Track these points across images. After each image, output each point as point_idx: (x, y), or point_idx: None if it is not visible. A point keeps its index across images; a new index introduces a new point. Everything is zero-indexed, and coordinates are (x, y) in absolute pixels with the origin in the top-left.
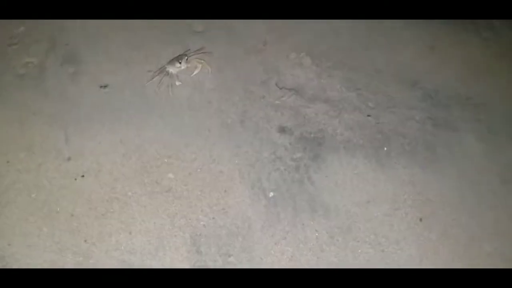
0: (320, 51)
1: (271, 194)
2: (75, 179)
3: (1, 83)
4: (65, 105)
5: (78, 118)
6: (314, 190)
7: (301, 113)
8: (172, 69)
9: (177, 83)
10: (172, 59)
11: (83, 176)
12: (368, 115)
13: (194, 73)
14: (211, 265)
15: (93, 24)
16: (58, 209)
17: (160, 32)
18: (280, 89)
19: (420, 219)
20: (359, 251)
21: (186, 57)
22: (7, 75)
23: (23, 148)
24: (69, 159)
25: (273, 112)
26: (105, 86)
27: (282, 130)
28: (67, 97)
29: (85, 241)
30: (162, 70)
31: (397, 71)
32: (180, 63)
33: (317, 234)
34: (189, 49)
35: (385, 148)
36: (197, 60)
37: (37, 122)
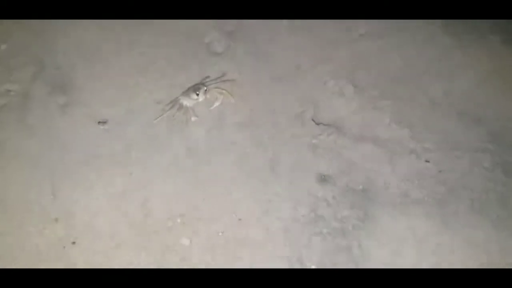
0: (364, 78)
1: (313, 267)
2: (64, 247)
3: None
4: (52, 146)
5: (69, 164)
6: (365, 262)
7: (344, 157)
8: (187, 102)
9: (193, 118)
10: (188, 89)
11: (74, 242)
12: (427, 161)
13: (214, 105)
14: None
15: (90, 43)
16: None
17: (172, 52)
18: (317, 125)
19: None
20: None
21: (204, 88)
22: None
23: None
24: (56, 220)
25: (309, 154)
26: (104, 122)
27: (323, 179)
28: (55, 136)
29: None
30: (174, 103)
31: (457, 103)
32: (197, 94)
33: None
34: (208, 76)
35: (451, 205)
36: (217, 90)
37: (15, 169)
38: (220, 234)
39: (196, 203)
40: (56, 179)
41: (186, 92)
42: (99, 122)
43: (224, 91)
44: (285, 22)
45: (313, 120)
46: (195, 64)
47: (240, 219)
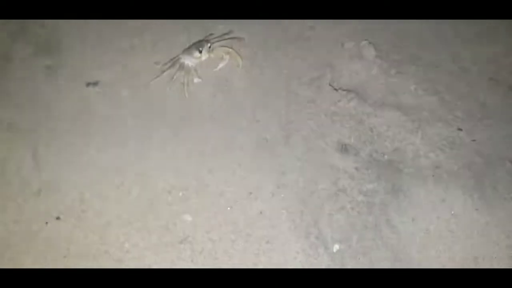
0: (386, 40)
1: (336, 247)
2: (47, 222)
3: None
4: (36, 112)
5: (55, 131)
6: (397, 241)
7: (366, 125)
8: (188, 61)
9: (196, 80)
10: (189, 47)
11: (58, 218)
12: (459, 129)
13: (220, 66)
14: None
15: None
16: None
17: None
18: (336, 90)
19: None
20: None
21: (208, 44)
22: None
23: None
24: (39, 192)
25: (328, 122)
26: (95, 84)
27: (344, 149)
28: (40, 101)
29: None
30: (175, 62)
31: (489, 70)
32: (200, 52)
33: None
34: (212, 34)
35: (489, 178)
36: (223, 48)
37: None
38: (229, 209)
39: (201, 176)
40: (39, 148)
41: (188, 50)
42: (88, 84)
43: (231, 50)
44: None
45: (330, 85)
46: (198, 23)
47: (251, 193)
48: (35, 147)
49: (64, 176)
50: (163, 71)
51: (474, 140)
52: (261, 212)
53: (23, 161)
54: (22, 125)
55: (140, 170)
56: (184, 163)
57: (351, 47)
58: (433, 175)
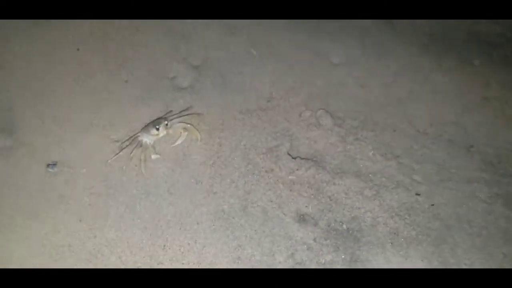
0: (342, 108)
1: None
2: None
3: None
4: None
5: (9, 210)
6: None
7: (325, 193)
8: (146, 138)
9: (153, 156)
10: (147, 125)
11: None
12: (417, 194)
13: (178, 142)
14: None
15: (37, 79)
16: None
17: (131, 88)
18: (294, 159)
19: None
20: None
21: (165, 122)
22: None
23: None
24: None
25: (287, 192)
26: (54, 165)
27: (302, 219)
28: None
29: None
30: (133, 140)
31: (445, 131)
32: (157, 129)
33: None
34: (171, 111)
35: (448, 243)
36: (181, 124)
37: None
38: None
39: (155, 253)
40: None
41: (146, 128)
42: (48, 165)
43: (189, 126)
44: (254, 52)
45: (289, 154)
46: (158, 99)
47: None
48: None
49: (11, 258)
50: (122, 149)
51: (432, 205)
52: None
53: None
54: None
55: (93, 248)
56: (138, 240)
57: (308, 116)
58: (391, 243)
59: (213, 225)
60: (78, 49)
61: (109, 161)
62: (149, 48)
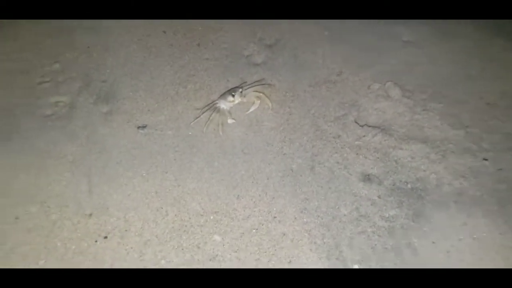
0: (412, 81)
1: (355, 267)
2: (96, 241)
3: (21, 126)
4: (93, 149)
5: (106, 164)
6: (417, 263)
7: (391, 157)
8: (223, 105)
9: (230, 121)
10: (224, 93)
11: (106, 237)
12: (485, 159)
13: (251, 109)
14: None
15: (135, 59)
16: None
17: (212, 64)
18: (361, 126)
19: None
20: None
21: (240, 90)
22: (30, 116)
23: (36, 201)
24: (90, 215)
25: (353, 155)
26: (144, 127)
27: (367, 178)
28: (96, 140)
29: None
30: (211, 106)
31: None
32: (233, 96)
33: None
34: (245, 82)
35: None
36: (254, 93)
37: (57, 169)
38: (254, 231)
39: (230, 201)
40: (93, 178)
41: (223, 95)
42: (138, 127)
43: (261, 95)
44: (326, 32)
45: (356, 122)
46: (234, 74)
47: (275, 217)
48: (90, 176)
49: (111, 201)
50: (202, 113)
51: (500, 169)
52: (284, 234)
53: (79, 187)
54: (81, 160)
55: (177, 195)
56: (216, 190)
57: (377, 88)
58: (455, 202)
59: (282, 180)
60: (164, 32)
61: (191, 124)
62: (229, 32)
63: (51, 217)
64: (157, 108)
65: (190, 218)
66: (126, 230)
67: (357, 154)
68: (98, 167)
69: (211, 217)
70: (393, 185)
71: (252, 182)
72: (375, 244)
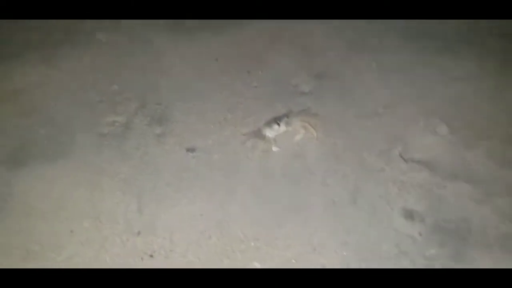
0: (459, 117)
1: None
2: (142, 258)
3: (79, 142)
4: (144, 169)
5: (156, 184)
6: None
7: (435, 194)
8: (269, 132)
9: (274, 148)
10: (270, 120)
11: (151, 256)
12: None
13: (296, 138)
14: None
15: (188, 83)
16: None
17: (260, 92)
18: (406, 161)
19: None
20: None
21: (286, 118)
22: (87, 134)
23: (89, 216)
24: (138, 233)
25: (396, 190)
26: (193, 150)
27: (409, 215)
28: (148, 161)
29: None
30: (257, 133)
31: None
32: (279, 124)
33: None
34: (291, 111)
35: None
36: (300, 122)
37: (110, 186)
38: (293, 261)
39: (271, 229)
40: (143, 197)
41: (269, 123)
42: (188, 150)
43: (307, 124)
44: (374, 64)
45: (401, 156)
46: (281, 102)
47: (315, 249)
48: (140, 196)
49: (159, 221)
50: (248, 139)
51: None
52: (324, 266)
53: (130, 206)
54: (132, 179)
55: (221, 219)
56: (258, 217)
57: (424, 123)
58: (501, 246)
59: (324, 211)
60: (216, 59)
61: (237, 149)
62: (278, 61)
63: (102, 232)
64: (206, 132)
65: (231, 243)
66: (171, 250)
67: (400, 189)
68: (149, 187)
69: (252, 244)
70: (436, 223)
71: (294, 211)
72: None
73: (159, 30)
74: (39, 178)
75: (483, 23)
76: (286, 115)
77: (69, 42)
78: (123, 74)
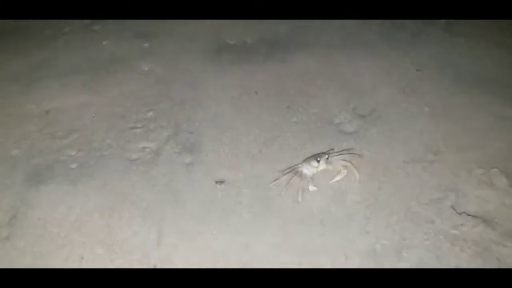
0: None
1: None
2: None
3: (106, 167)
4: (169, 198)
5: (179, 215)
6: None
7: (492, 253)
8: (306, 170)
9: (311, 188)
10: (309, 157)
11: None
12: None
13: (336, 178)
14: None
15: (224, 115)
16: None
17: (299, 128)
18: (459, 214)
19: None
20: None
21: (326, 156)
22: (116, 158)
23: (103, 243)
24: (154, 267)
25: (447, 245)
26: (222, 182)
27: None
28: (174, 190)
29: None
30: (293, 169)
31: None
32: (318, 161)
33: None
34: (333, 149)
35: None
36: (342, 162)
37: (130, 213)
38: None
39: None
40: (163, 227)
41: (307, 160)
42: (216, 182)
43: (349, 164)
44: (426, 108)
45: (453, 208)
46: (322, 140)
47: None
48: (161, 225)
49: (177, 254)
50: (283, 176)
51: None
52: None
53: (149, 235)
54: (156, 206)
55: (245, 260)
56: (287, 261)
57: (480, 173)
58: None
59: (363, 262)
60: (256, 93)
61: (270, 185)
62: (321, 98)
63: (115, 262)
64: (238, 164)
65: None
66: None
67: (452, 244)
68: (171, 217)
69: None
70: None
71: (328, 258)
72: None
73: (200, 60)
74: (59, 200)
75: None
76: (327, 153)
77: (112, 69)
78: (161, 103)
